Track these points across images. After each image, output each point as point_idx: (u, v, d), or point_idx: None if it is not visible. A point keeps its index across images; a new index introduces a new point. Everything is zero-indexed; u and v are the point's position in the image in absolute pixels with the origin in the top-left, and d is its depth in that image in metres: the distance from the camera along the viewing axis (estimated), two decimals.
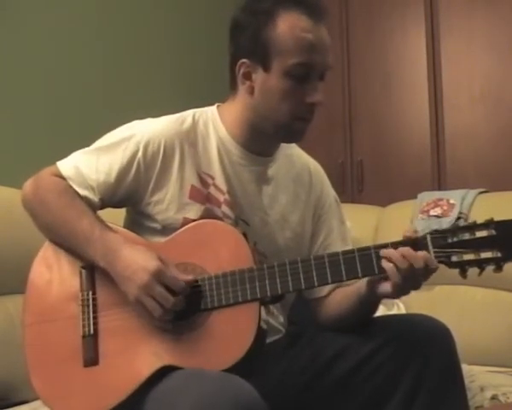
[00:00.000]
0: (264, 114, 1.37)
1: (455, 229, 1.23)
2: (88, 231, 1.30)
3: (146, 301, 1.22)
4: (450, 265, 1.23)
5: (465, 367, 1.54)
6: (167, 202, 1.36)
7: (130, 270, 1.24)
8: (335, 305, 1.44)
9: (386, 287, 1.26)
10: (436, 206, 2.62)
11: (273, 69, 1.33)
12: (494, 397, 1.81)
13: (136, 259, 1.24)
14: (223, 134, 1.42)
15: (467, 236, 1.22)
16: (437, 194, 2.76)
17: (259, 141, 1.42)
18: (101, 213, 1.39)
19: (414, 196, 2.77)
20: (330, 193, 1.54)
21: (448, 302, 2.47)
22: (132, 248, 1.27)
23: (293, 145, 1.52)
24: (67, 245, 1.34)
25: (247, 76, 1.36)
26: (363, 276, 1.28)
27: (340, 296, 1.43)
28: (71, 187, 1.36)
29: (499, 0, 3.16)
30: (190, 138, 1.39)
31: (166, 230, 1.35)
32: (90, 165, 1.36)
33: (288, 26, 1.32)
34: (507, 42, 3.14)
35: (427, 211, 2.61)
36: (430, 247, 1.23)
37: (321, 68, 1.35)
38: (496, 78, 3.17)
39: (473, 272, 1.22)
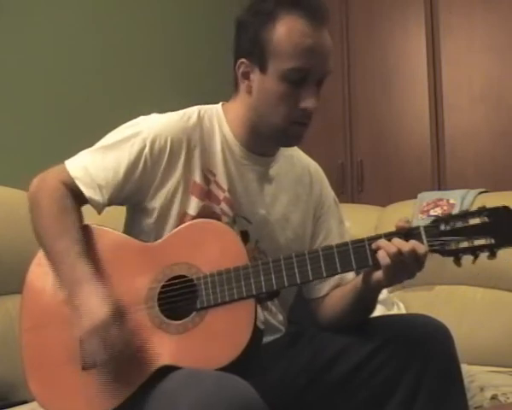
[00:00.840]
0: (262, 114, 1.36)
1: (448, 218, 1.23)
2: (63, 253, 1.28)
3: (87, 345, 1.23)
4: (444, 253, 1.23)
5: (465, 367, 1.55)
6: (169, 198, 1.36)
7: (82, 310, 1.23)
8: (334, 304, 1.44)
9: (378, 275, 1.26)
10: (436, 206, 2.62)
11: (269, 71, 1.32)
12: (494, 397, 1.81)
13: (88, 303, 1.23)
14: (227, 132, 1.42)
15: (460, 224, 1.22)
16: (437, 194, 2.76)
17: (260, 142, 1.42)
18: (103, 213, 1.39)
19: (414, 196, 2.76)
20: (329, 194, 1.54)
21: (448, 302, 2.47)
22: (92, 288, 1.24)
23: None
24: (44, 253, 1.33)
25: (246, 76, 1.36)
26: (358, 268, 1.28)
27: (338, 295, 1.44)
28: (68, 196, 1.33)
29: (499, 0, 3.17)
30: (196, 135, 1.39)
31: (164, 226, 1.36)
32: (98, 164, 1.35)
33: (286, 29, 1.30)
34: (507, 42, 3.14)
35: (427, 211, 2.61)
36: (423, 236, 1.23)
37: (319, 74, 1.33)
38: (496, 78, 3.17)
39: (467, 260, 1.22)
